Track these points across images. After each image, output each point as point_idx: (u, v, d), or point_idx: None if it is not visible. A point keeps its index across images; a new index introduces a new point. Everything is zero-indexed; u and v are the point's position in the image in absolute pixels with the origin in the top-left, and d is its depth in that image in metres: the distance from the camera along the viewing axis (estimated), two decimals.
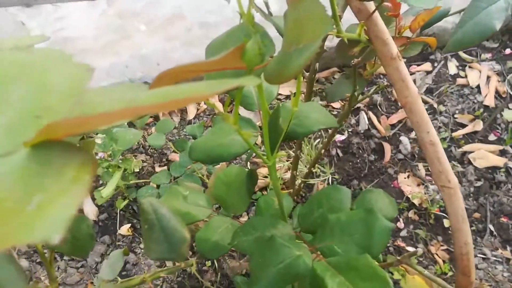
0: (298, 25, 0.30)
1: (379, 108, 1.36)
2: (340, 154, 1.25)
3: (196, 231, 0.59)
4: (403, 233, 1.10)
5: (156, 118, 1.32)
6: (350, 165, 1.23)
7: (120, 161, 1.10)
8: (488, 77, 1.41)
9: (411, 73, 1.44)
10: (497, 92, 1.37)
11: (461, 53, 1.48)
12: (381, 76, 1.44)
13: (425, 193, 1.16)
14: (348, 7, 0.49)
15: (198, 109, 1.36)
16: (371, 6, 0.46)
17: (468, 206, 1.14)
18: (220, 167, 1.04)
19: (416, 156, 1.25)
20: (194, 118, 1.34)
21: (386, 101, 1.38)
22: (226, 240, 0.56)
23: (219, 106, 1.31)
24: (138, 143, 1.26)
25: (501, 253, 1.06)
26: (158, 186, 1.13)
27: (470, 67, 1.45)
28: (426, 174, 1.20)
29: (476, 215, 1.13)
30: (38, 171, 0.18)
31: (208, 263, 1.03)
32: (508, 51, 1.48)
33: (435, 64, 1.47)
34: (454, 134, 1.28)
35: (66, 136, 0.19)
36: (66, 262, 1.04)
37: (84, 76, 0.23)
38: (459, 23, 0.50)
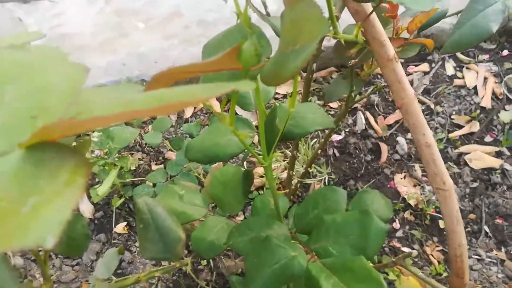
0: (295, 26, 0.30)
1: (376, 108, 1.36)
2: (337, 154, 1.25)
3: (192, 230, 0.59)
4: (399, 233, 1.10)
5: (153, 116, 1.32)
6: (347, 165, 1.23)
7: (117, 159, 1.10)
8: (485, 78, 1.41)
9: (409, 74, 1.45)
10: (494, 93, 1.38)
11: (459, 54, 1.49)
12: (379, 76, 1.44)
13: (421, 194, 1.16)
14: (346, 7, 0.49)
15: (195, 108, 1.36)
16: (369, 7, 0.46)
17: (463, 207, 1.14)
18: (216, 166, 1.03)
19: (413, 156, 1.25)
20: (191, 117, 1.34)
21: (383, 101, 1.38)
22: (222, 239, 0.56)
23: (216, 105, 1.31)
24: (134, 141, 1.26)
25: (496, 254, 1.06)
26: (154, 185, 1.13)
27: (467, 68, 1.45)
28: (423, 175, 1.20)
29: (472, 216, 1.13)
30: (33, 172, 0.18)
31: (204, 262, 1.03)
32: (505, 52, 1.48)
33: (433, 65, 1.47)
34: (450, 135, 1.29)
35: (61, 137, 0.19)
36: (61, 260, 1.04)
37: (80, 76, 0.23)
38: (456, 25, 0.50)
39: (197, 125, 1.17)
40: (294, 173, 1.02)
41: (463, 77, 1.43)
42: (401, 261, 0.55)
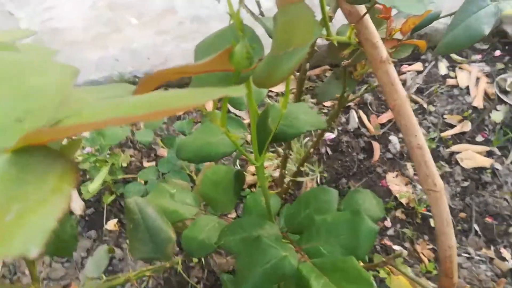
0: (288, 29, 0.30)
1: (370, 107, 1.37)
2: (330, 153, 1.25)
3: (184, 229, 0.58)
4: (390, 231, 1.11)
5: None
6: (339, 163, 1.23)
7: (108, 155, 1.09)
8: (478, 79, 1.42)
9: (402, 73, 1.45)
10: (486, 93, 1.39)
11: (452, 54, 1.49)
12: (372, 75, 1.44)
13: (412, 193, 1.17)
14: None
15: None
16: (362, 8, 0.46)
17: (454, 206, 1.15)
18: (208, 165, 1.03)
19: (405, 155, 1.25)
20: (183, 114, 1.33)
21: (376, 100, 1.39)
22: (213, 238, 0.56)
23: (209, 104, 1.30)
24: (126, 137, 1.25)
25: (485, 252, 1.07)
26: (145, 182, 1.13)
27: (460, 68, 1.46)
28: (414, 174, 1.21)
29: (462, 214, 1.14)
30: (18, 177, 0.17)
31: (195, 259, 1.03)
32: (497, 52, 1.49)
33: (426, 64, 1.48)
34: (442, 134, 1.30)
35: (49, 141, 0.19)
36: (51, 257, 1.03)
37: (69, 78, 0.23)
38: (449, 26, 0.50)
39: (190, 123, 1.17)
40: (286, 172, 1.02)
41: (455, 77, 1.44)
42: (391, 261, 0.55)
